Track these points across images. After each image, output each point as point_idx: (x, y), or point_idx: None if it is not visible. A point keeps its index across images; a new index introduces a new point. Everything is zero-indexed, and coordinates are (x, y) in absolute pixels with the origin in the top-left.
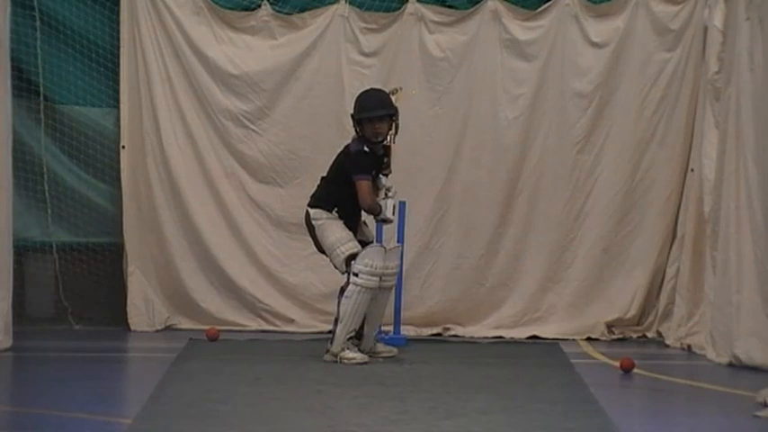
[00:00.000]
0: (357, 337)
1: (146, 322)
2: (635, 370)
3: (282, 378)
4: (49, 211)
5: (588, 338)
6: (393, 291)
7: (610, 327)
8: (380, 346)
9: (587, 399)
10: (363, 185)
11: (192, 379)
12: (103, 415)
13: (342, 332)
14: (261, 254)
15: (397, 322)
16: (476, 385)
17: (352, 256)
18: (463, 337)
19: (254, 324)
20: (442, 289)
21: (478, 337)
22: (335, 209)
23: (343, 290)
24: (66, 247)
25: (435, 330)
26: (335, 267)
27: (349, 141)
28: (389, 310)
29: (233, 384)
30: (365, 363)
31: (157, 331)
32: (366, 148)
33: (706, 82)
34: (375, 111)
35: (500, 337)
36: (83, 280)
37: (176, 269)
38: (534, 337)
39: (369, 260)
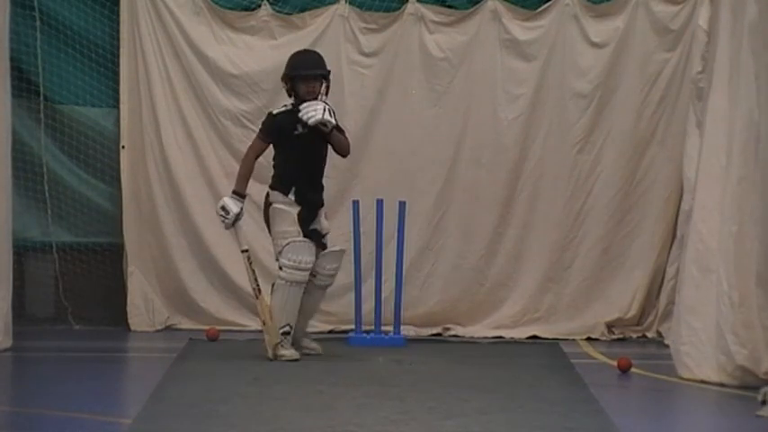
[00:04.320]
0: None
1: (146, 322)
2: (634, 370)
3: (282, 378)
4: (49, 211)
5: (588, 338)
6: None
7: (610, 327)
8: (306, 342)
9: (587, 399)
10: (254, 142)
11: (192, 379)
12: (103, 415)
13: (274, 326)
14: (261, 254)
15: (396, 322)
16: (476, 385)
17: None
18: (463, 337)
19: (254, 324)
20: (442, 289)
21: (478, 337)
22: (293, 188)
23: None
24: (66, 247)
25: (435, 330)
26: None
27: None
28: (389, 309)
29: (233, 384)
30: (296, 359)
31: (157, 331)
32: (282, 109)
33: (689, 81)
34: (311, 69)
35: (500, 337)
36: (83, 280)
37: (176, 269)
38: (534, 337)
39: (292, 255)
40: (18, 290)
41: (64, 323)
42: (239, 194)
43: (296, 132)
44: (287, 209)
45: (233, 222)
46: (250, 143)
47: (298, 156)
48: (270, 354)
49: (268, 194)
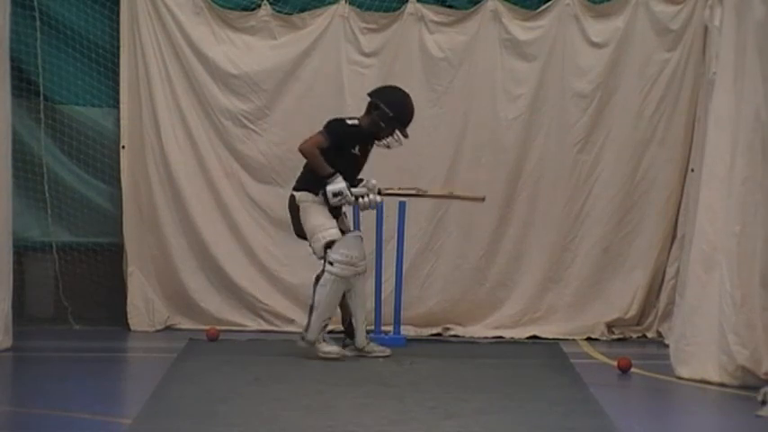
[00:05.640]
0: (349, 335)
1: (146, 322)
2: (634, 369)
3: (282, 378)
4: (49, 211)
5: (588, 338)
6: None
7: (610, 327)
8: (374, 346)
9: (587, 399)
10: (317, 137)
11: (192, 379)
12: (103, 415)
13: (317, 320)
14: (261, 254)
15: (397, 322)
16: (476, 385)
17: (332, 243)
18: (463, 337)
19: (254, 324)
20: (442, 289)
21: (478, 337)
22: (322, 192)
23: (318, 278)
24: (66, 247)
25: (435, 330)
26: (314, 252)
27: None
28: (389, 309)
29: (233, 384)
30: (340, 358)
31: (157, 331)
32: (355, 123)
33: (707, 82)
34: (407, 128)
35: (500, 337)
36: (83, 280)
37: (176, 269)
38: (534, 337)
39: (345, 250)
40: (18, 290)
41: (64, 323)
42: (332, 175)
43: (353, 151)
44: (318, 205)
45: (353, 196)
46: (311, 137)
47: (341, 167)
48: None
49: (293, 197)
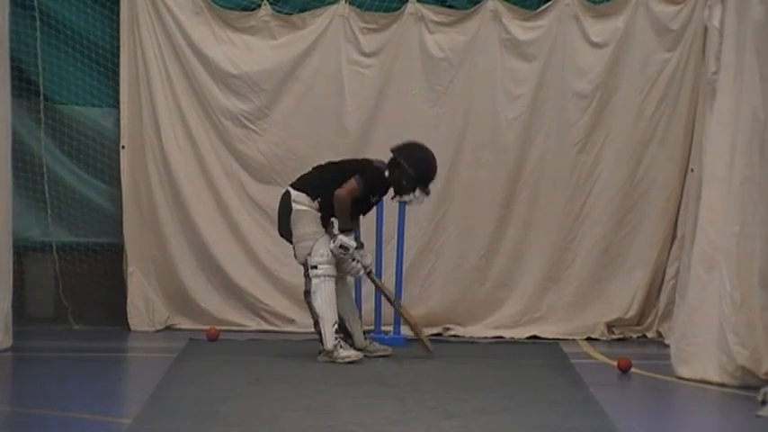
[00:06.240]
0: (349, 337)
1: (146, 322)
2: (634, 369)
3: (282, 378)
4: (49, 211)
5: (588, 338)
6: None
7: (610, 327)
8: (376, 345)
9: (587, 399)
10: (353, 185)
11: (192, 379)
12: (103, 415)
13: (328, 328)
14: (261, 254)
15: (396, 322)
16: (476, 385)
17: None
18: (463, 337)
19: (253, 324)
20: (442, 289)
21: (478, 337)
22: (319, 199)
23: (307, 292)
24: (66, 247)
25: (435, 330)
26: (295, 256)
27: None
28: (389, 309)
29: (233, 384)
30: (359, 360)
31: (157, 331)
32: (385, 174)
33: (706, 82)
34: (429, 187)
35: (500, 337)
36: (83, 280)
37: (176, 269)
38: (534, 337)
39: (322, 251)
40: (18, 290)
41: (64, 323)
42: (349, 230)
43: (373, 199)
44: (313, 211)
45: (351, 257)
46: (348, 183)
47: (353, 209)
48: (431, 349)
49: (289, 195)
